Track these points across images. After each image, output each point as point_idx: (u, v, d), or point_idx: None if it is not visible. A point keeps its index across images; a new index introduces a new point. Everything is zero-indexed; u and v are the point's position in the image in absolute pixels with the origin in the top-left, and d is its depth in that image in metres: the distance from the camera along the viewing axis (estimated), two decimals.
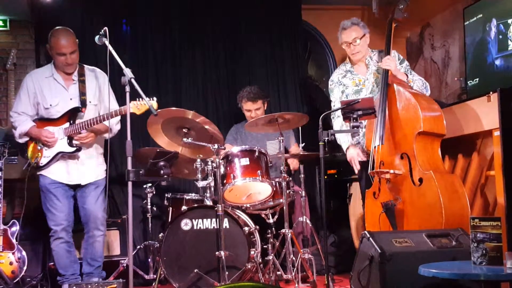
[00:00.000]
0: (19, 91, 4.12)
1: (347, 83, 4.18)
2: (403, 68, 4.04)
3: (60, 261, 4.02)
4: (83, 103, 4.02)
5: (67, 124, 3.97)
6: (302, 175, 4.48)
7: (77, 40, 4.04)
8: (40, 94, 4.03)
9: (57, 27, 4.05)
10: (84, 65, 4.15)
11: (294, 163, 4.70)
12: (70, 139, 3.96)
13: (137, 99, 3.73)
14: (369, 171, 3.80)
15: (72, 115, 3.99)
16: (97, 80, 4.13)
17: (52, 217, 3.98)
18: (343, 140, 4.18)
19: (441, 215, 3.39)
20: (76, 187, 4.06)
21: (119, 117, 4.07)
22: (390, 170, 3.68)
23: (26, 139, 4.05)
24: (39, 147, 4.00)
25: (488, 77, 4.27)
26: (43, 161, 3.97)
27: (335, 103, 4.19)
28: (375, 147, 3.78)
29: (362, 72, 4.17)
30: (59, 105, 4.01)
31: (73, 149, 3.96)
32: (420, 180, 3.54)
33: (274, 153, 4.41)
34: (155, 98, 3.72)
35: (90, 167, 4.06)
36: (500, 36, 4.12)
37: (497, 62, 4.15)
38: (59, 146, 3.97)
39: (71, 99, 4.03)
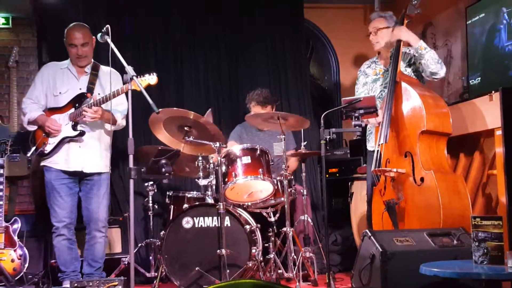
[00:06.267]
0: (35, 78, 4.17)
1: (369, 73, 4.23)
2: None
3: (61, 258, 4.03)
4: (90, 90, 4.04)
5: (72, 110, 4.00)
6: (303, 174, 4.48)
7: (93, 37, 4.04)
8: (53, 82, 4.07)
9: (74, 23, 4.10)
10: (100, 65, 4.17)
11: (292, 164, 4.71)
12: (75, 123, 3.98)
13: (138, 76, 3.59)
14: (372, 169, 3.79)
15: (77, 100, 4.01)
16: (109, 77, 4.07)
17: (55, 214, 4.00)
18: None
19: (439, 215, 3.38)
20: (80, 180, 4.06)
21: (125, 112, 4.06)
22: (393, 168, 3.68)
23: (34, 127, 4.06)
24: (44, 135, 4.00)
25: (493, 69, 4.22)
26: (47, 148, 3.97)
27: (358, 88, 4.26)
28: (379, 145, 3.77)
29: (384, 64, 4.18)
30: (67, 93, 4.04)
31: (77, 132, 3.97)
32: (422, 179, 3.53)
33: (280, 154, 4.41)
34: (155, 74, 3.72)
35: (93, 157, 4.04)
36: (510, 25, 4.06)
37: (507, 48, 4.09)
38: (64, 132, 3.98)
39: (80, 89, 4.06)
